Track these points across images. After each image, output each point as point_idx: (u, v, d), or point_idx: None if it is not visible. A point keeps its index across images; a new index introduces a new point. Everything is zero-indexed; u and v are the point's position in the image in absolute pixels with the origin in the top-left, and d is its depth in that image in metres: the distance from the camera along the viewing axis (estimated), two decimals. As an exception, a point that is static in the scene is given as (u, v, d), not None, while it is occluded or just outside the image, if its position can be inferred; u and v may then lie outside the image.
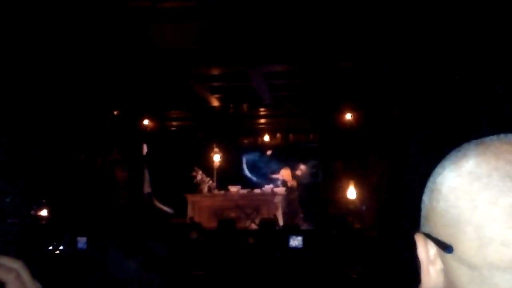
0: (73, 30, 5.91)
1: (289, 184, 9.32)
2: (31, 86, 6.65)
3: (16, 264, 0.77)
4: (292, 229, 7.56)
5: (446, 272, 0.53)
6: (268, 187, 10.13)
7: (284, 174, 9.38)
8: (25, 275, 0.77)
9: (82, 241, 5.41)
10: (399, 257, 4.87)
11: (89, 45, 6.43)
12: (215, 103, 10.96)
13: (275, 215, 9.46)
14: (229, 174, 11.02)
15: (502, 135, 0.55)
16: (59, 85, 7.43)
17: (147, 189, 9.97)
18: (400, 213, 6.51)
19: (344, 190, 9.12)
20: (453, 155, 0.56)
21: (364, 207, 8.97)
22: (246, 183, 10.61)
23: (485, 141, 0.55)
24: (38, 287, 0.79)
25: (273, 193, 9.95)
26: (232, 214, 9.36)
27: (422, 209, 0.59)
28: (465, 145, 0.56)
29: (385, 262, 5.42)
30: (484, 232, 0.49)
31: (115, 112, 10.48)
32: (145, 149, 10.15)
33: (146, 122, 11.32)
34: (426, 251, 0.55)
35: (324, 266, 5.67)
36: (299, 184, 9.66)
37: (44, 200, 5.90)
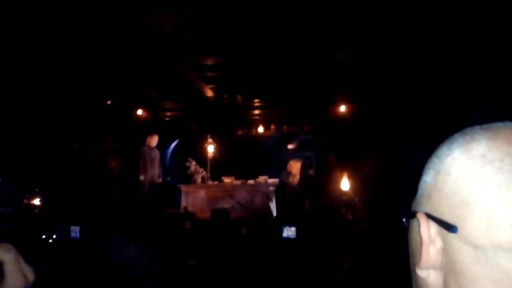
0: (67, 19, 5.86)
1: (295, 178, 9.26)
2: (24, 76, 6.60)
3: (12, 247, 0.79)
4: (285, 220, 7.59)
5: (447, 251, 0.55)
6: (261, 178, 10.15)
7: (294, 166, 9.28)
8: (20, 258, 0.79)
9: (75, 230, 5.41)
10: (391, 248, 4.91)
11: (82, 34, 6.38)
12: (209, 93, 10.93)
13: (268, 206, 9.48)
14: (222, 165, 11.02)
15: (508, 123, 0.56)
16: (52, 75, 7.37)
17: (151, 177, 9.89)
18: (393, 205, 6.55)
19: (337, 182, 9.15)
20: (459, 138, 0.57)
21: (357, 199, 9.01)
22: (239, 174, 10.61)
23: (493, 127, 0.56)
24: (31, 270, 0.81)
25: (267, 184, 9.97)
26: (226, 205, 9.38)
27: (422, 190, 0.60)
28: (470, 130, 0.57)
29: (377, 252, 5.47)
30: (494, 214, 0.51)
31: (108, 102, 10.43)
32: (154, 140, 10.07)
33: (140, 112, 11.27)
34: (428, 230, 0.56)
35: (317, 256, 5.71)
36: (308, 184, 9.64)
37: (37, 189, 5.88)
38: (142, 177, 9.77)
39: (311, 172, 9.42)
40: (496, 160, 0.52)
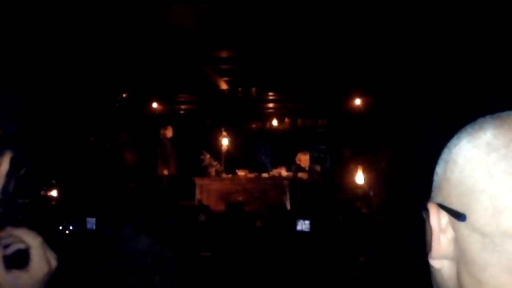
0: (84, 12, 5.90)
1: (305, 170, 9.22)
2: (41, 70, 6.68)
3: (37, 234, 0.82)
4: (299, 213, 7.59)
5: (458, 240, 0.55)
6: (275, 171, 10.15)
7: (302, 158, 9.24)
8: (45, 244, 0.82)
9: (91, 222, 5.47)
10: (406, 242, 4.87)
11: (98, 27, 6.42)
12: (224, 86, 10.94)
13: (282, 199, 9.48)
14: (237, 158, 11.04)
15: None
16: (69, 68, 7.45)
17: (171, 170, 9.88)
18: (408, 198, 6.50)
19: (352, 175, 9.11)
20: (469, 128, 0.57)
21: (372, 193, 8.97)
22: (253, 167, 10.62)
23: (502, 115, 0.56)
24: (54, 256, 0.83)
25: (281, 177, 9.97)
26: (240, 198, 9.40)
27: (434, 180, 0.60)
28: (481, 119, 0.57)
29: (392, 246, 5.44)
30: (499, 201, 0.50)
31: (124, 95, 10.51)
32: (170, 131, 10.05)
33: (154, 105, 11.34)
34: (438, 220, 0.57)
35: (331, 249, 5.70)
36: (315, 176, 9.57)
37: (54, 181, 5.97)
38: (166, 172, 9.73)
39: (318, 167, 9.32)
40: (501, 147, 0.52)
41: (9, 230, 0.80)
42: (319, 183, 9.26)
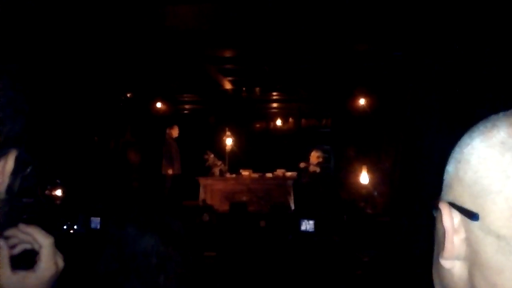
0: (87, 11, 5.91)
1: (310, 166, 9.18)
2: (46, 70, 6.69)
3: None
4: (303, 213, 7.58)
5: (470, 241, 0.53)
6: (279, 171, 10.14)
7: (312, 155, 9.18)
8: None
9: (95, 221, 5.47)
10: (411, 242, 4.86)
11: (102, 27, 6.43)
12: (228, 86, 10.94)
13: (286, 199, 9.47)
14: (240, 158, 11.04)
15: None
16: (74, 68, 7.46)
17: (176, 170, 9.85)
18: (413, 198, 6.48)
19: (356, 175, 9.09)
20: (481, 126, 0.55)
21: (376, 193, 8.94)
22: (257, 167, 10.61)
23: None
24: (61, 257, 0.84)
25: (285, 177, 9.95)
26: (244, 198, 9.40)
27: (445, 179, 0.58)
28: (493, 116, 0.55)
29: (396, 246, 5.43)
30: None
31: (128, 95, 10.53)
32: (176, 131, 10.03)
33: (159, 105, 11.35)
34: (451, 219, 0.55)
35: (335, 250, 5.69)
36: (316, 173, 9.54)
37: (58, 181, 5.98)
38: (170, 171, 9.71)
39: (318, 169, 9.26)
40: None
41: (22, 227, 0.80)
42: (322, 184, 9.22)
